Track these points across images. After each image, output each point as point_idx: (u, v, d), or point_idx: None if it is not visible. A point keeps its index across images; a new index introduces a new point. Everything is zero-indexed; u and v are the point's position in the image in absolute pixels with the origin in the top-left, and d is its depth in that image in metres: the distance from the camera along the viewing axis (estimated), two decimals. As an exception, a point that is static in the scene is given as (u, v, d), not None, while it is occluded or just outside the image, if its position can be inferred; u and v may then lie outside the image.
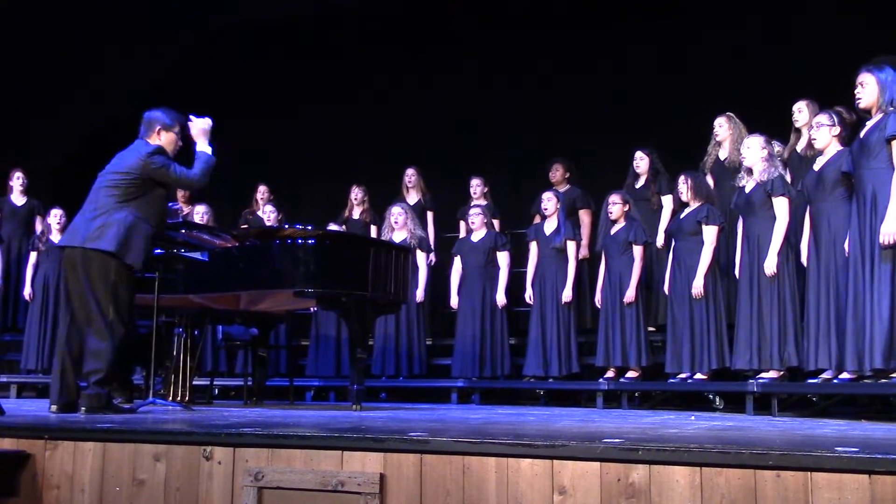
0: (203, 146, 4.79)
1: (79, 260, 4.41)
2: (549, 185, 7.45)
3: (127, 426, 3.43)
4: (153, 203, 4.60)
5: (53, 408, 4.41)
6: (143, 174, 4.52)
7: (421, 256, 7.46)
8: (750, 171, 5.51)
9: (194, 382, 5.94)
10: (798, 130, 5.93)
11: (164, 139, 4.69)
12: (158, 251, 5.33)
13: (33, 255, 8.13)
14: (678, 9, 7.98)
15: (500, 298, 7.21)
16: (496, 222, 7.74)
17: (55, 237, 7.98)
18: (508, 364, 7.17)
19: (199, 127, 4.80)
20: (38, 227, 8.29)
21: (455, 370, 7.19)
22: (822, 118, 5.06)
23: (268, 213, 7.97)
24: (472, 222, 7.37)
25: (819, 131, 5.04)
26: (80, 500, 3.22)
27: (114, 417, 4.04)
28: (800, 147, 5.88)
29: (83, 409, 4.30)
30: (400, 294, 5.55)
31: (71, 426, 3.52)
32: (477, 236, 7.36)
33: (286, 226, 6.62)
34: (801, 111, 5.84)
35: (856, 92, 4.67)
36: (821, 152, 5.10)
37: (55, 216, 8.00)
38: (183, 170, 4.63)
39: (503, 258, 7.29)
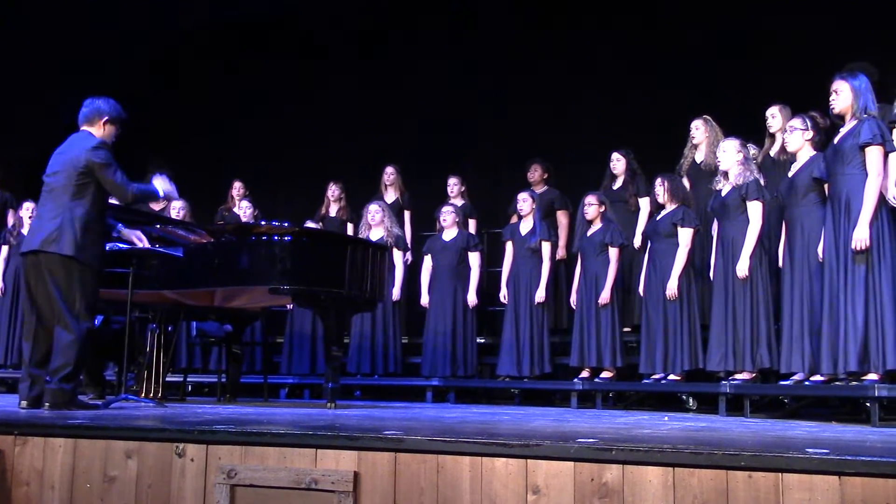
0: (158, 186, 4.78)
1: (42, 262, 4.36)
2: (527, 186, 7.47)
3: (98, 422, 3.39)
4: (100, 198, 4.53)
5: (23, 403, 4.37)
6: (86, 166, 4.43)
7: (398, 255, 7.45)
8: (726, 175, 5.56)
9: (167, 379, 5.89)
10: (772, 135, 5.99)
11: (107, 131, 4.61)
12: (134, 247, 5.29)
13: (4, 249, 8.04)
14: (657, 10, 8.03)
15: (472, 298, 7.22)
16: (473, 222, 7.75)
17: (27, 230, 7.88)
18: (474, 363, 7.19)
19: (161, 184, 4.80)
20: (11, 221, 8.19)
21: (424, 369, 7.20)
22: (796, 122, 5.11)
23: (244, 209, 7.92)
24: (444, 220, 7.37)
25: (792, 135, 5.09)
26: (49, 496, 3.17)
27: (85, 413, 4.00)
28: (773, 151, 5.95)
29: (47, 404, 4.24)
30: (376, 292, 5.54)
31: (41, 421, 3.47)
32: (448, 235, 7.36)
33: (262, 222, 6.58)
34: (774, 116, 5.91)
35: (830, 98, 4.73)
36: (794, 156, 5.16)
37: (27, 209, 7.91)
38: (122, 176, 4.50)
39: (474, 258, 7.30)
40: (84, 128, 4.62)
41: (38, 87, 9.00)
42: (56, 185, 4.45)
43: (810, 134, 5.05)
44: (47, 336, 4.38)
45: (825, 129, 5.24)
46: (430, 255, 7.40)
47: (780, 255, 5.20)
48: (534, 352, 6.76)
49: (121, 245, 5.30)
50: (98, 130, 4.59)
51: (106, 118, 4.60)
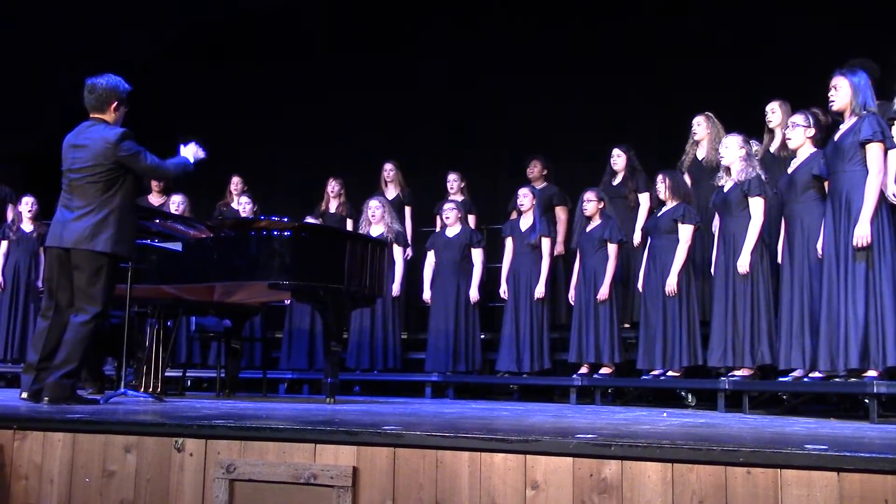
0: (188, 154, 4.71)
1: (72, 260, 4.33)
2: (526, 182, 7.46)
3: (97, 417, 3.39)
4: (132, 187, 4.50)
5: (24, 395, 4.37)
6: (115, 162, 4.35)
7: (398, 251, 7.45)
8: (728, 171, 5.55)
9: (167, 374, 5.89)
10: (771, 131, 5.99)
11: (119, 114, 4.50)
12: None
13: (4, 244, 8.03)
14: (655, 7, 8.02)
15: (474, 294, 7.22)
16: (472, 218, 7.74)
17: (26, 226, 7.91)
18: (479, 359, 7.20)
19: (190, 151, 4.75)
20: (10, 216, 8.18)
21: (428, 365, 7.21)
22: (798, 118, 5.11)
23: (243, 205, 7.92)
24: (447, 217, 7.37)
25: (794, 131, 5.09)
26: (48, 491, 3.18)
27: (84, 408, 4.00)
28: (773, 147, 5.94)
29: (46, 398, 4.23)
30: (376, 288, 5.54)
31: (40, 416, 3.47)
32: (451, 232, 7.36)
33: (262, 217, 6.58)
34: (773, 112, 5.90)
35: (829, 95, 4.72)
36: (793, 152, 5.15)
37: (26, 204, 7.91)
38: (154, 158, 4.45)
39: (477, 255, 7.30)
40: (94, 115, 4.48)
41: (34, 83, 8.98)
42: (83, 180, 4.35)
43: (812, 131, 5.04)
44: (60, 329, 4.35)
45: (826, 127, 5.23)
46: (432, 251, 7.41)
47: (780, 252, 5.20)
48: (534, 348, 6.77)
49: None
50: (110, 116, 4.47)
51: (116, 102, 4.47)
